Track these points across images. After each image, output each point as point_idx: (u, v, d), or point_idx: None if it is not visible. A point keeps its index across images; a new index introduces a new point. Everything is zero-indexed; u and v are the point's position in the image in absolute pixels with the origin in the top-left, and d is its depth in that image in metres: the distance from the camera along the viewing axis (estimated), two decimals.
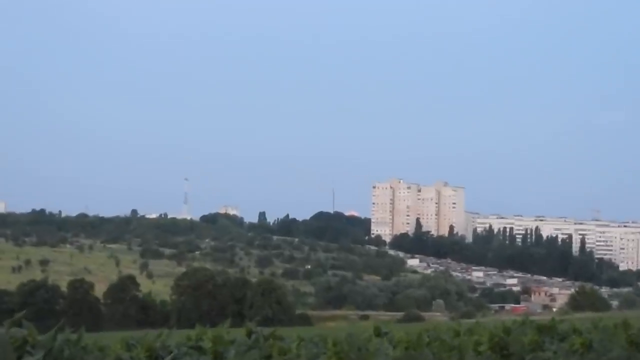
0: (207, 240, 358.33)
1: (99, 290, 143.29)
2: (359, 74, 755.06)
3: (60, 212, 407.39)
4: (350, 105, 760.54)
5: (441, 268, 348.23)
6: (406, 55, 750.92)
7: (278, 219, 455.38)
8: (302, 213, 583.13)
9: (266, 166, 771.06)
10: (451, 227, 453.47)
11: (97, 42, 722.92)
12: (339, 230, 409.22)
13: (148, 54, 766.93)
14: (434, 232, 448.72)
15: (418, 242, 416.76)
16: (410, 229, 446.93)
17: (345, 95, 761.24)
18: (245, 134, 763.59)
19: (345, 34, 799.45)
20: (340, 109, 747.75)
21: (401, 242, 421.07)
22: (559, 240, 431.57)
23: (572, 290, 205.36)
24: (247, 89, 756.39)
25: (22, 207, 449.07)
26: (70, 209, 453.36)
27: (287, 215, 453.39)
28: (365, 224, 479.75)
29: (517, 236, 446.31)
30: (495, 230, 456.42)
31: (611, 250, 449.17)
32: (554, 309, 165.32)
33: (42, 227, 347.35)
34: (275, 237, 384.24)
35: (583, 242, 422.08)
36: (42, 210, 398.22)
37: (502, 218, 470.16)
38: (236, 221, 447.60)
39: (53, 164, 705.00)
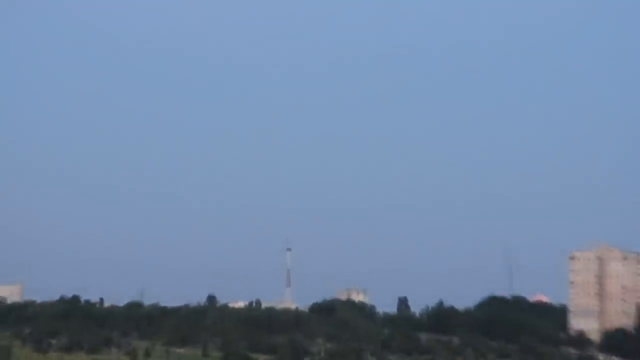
0: (320, 340, 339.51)
1: None
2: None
3: (101, 300, 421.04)
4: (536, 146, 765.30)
5: None
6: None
7: (428, 307, 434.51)
8: (464, 299, 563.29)
9: (406, 230, 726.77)
10: None
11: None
12: (520, 324, 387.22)
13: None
14: None
15: None
16: (629, 321, 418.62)
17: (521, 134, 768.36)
18: (372, 187, 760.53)
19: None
20: (520, 150, 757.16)
21: (615, 340, 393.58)
22: None
23: None
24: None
25: (49, 293, 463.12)
26: (115, 296, 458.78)
27: (441, 303, 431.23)
28: (559, 313, 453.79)
29: None
30: None
31: None
32: None
33: (75, 322, 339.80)
34: (424, 336, 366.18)
35: None
36: (75, 298, 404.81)
37: None
38: (364, 311, 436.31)
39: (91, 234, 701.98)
